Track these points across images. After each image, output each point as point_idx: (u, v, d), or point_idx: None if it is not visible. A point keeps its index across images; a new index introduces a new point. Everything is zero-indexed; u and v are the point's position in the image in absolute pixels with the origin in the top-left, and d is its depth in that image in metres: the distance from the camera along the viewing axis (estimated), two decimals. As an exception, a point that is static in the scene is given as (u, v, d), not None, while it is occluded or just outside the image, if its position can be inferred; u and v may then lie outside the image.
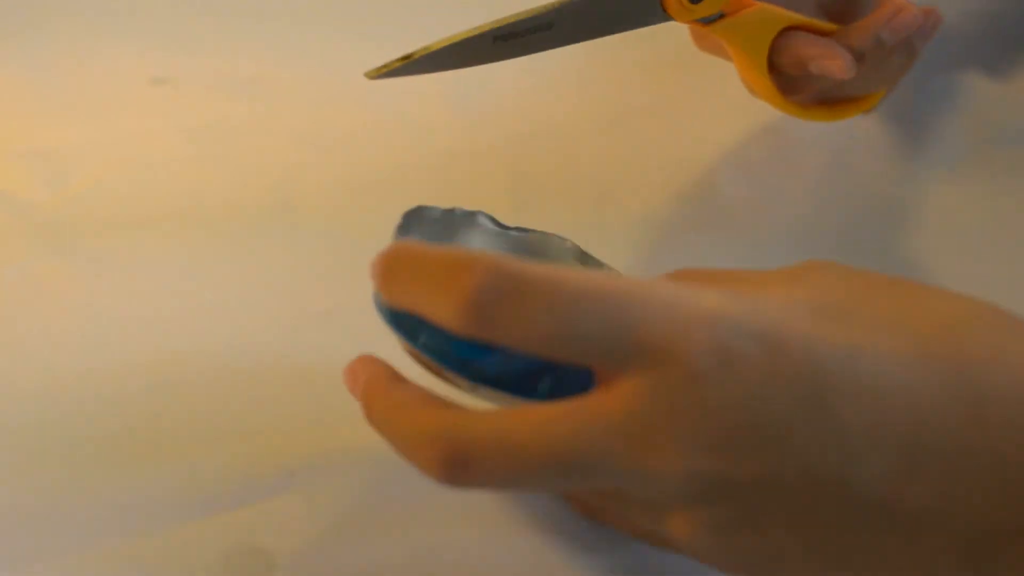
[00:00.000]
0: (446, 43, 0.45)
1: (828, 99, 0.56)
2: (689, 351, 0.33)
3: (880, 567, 0.34)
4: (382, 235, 0.55)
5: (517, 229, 0.46)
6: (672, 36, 0.55)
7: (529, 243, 0.46)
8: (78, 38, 0.64)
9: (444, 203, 0.52)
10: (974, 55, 0.62)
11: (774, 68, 0.53)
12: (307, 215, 0.56)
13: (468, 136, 0.59)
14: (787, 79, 0.53)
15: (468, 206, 0.46)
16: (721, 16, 0.51)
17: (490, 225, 0.46)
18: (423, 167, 0.58)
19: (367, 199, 0.56)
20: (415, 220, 0.44)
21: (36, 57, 0.63)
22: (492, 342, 0.34)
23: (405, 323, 0.40)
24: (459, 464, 0.34)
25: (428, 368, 0.41)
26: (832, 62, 0.50)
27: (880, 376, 0.33)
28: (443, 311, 0.34)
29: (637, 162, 0.58)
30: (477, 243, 0.45)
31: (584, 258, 0.46)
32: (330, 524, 0.43)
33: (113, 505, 0.44)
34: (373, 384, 0.38)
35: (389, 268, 0.36)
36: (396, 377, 0.38)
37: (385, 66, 0.45)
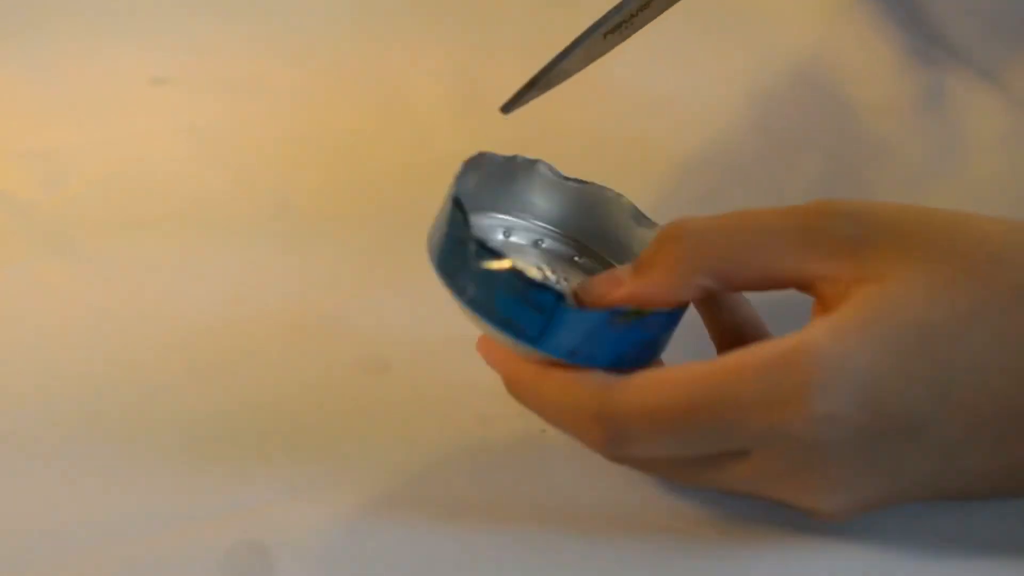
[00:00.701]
0: (564, 55, 0.46)
1: None
2: (793, 428, 0.37)
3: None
4: (381, 235, 0.55)
5: (576, 180, 0.47)
6: (670, 37, 0.55)
7: (585, 195, 0.47)
8: (78, 38, 0.64)
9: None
10: (977, 61, 0.62)
11: None
12: (307, 215, 0.56)
13: (468, 137, 0.59)
14: None
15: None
16: None
17: (549, 174, 0.46)
18: (423, 167, 0.57)
19: (367, 199, 0.56)
20: (475, 166, 0.44)
21: (36, 57, 0.63)
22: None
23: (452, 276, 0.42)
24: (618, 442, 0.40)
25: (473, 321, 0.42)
26: None
27: (964, 398, 0.38)
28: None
29: (637, 163, 0.58)
30: (536, 191, 0.46)
31: (638, 216, 0.46)
32: (332, 524, 0.43)
33: (113, 505, 0.44)
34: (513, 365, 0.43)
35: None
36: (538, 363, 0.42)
37: (516, 97, 0.46)
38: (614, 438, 0.40)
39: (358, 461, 0.45)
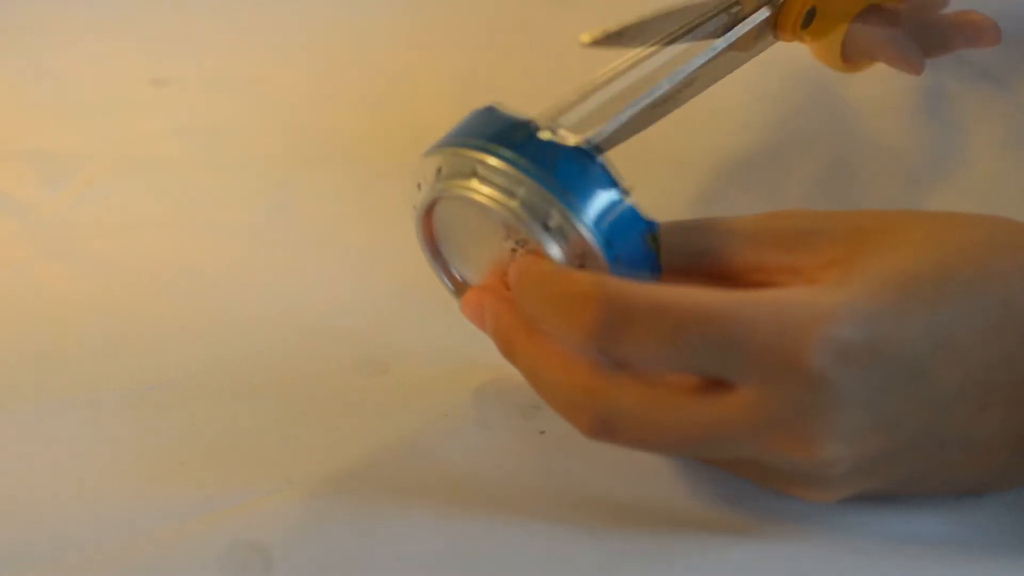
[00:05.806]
0: (613, 127, 0.47)
1: None
2: (802, 361, 0.37)
3: (960, 473, 0.42)
4: (381, 235, 0.55)
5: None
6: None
7: None
8: (78, 38, 0.64)
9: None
10: (977, 61, 0.62)
11: (845, 49, 0.54)
12: (307, 215, 0.56)
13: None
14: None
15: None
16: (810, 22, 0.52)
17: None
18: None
19: (367, 199, 0.56)
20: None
21: (36, 57, 0.63)
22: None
23: None
24: (606, 431, 0.39)
25: None
26: (905, 64, 0.54)
27: (956, 340, 0.39)
28: (570, 339, 0.39)
29: (637, 163, 0.58)
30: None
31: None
32: (329, 521, 0.43)
33: (110, 503, 0.44)
34: (509, 325, 0.42)
35: (520, 285, 0.41)
36: (528, 322, 0.41)
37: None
38: (610, 321, 0.38)
39: (357, 461, 0.45)
